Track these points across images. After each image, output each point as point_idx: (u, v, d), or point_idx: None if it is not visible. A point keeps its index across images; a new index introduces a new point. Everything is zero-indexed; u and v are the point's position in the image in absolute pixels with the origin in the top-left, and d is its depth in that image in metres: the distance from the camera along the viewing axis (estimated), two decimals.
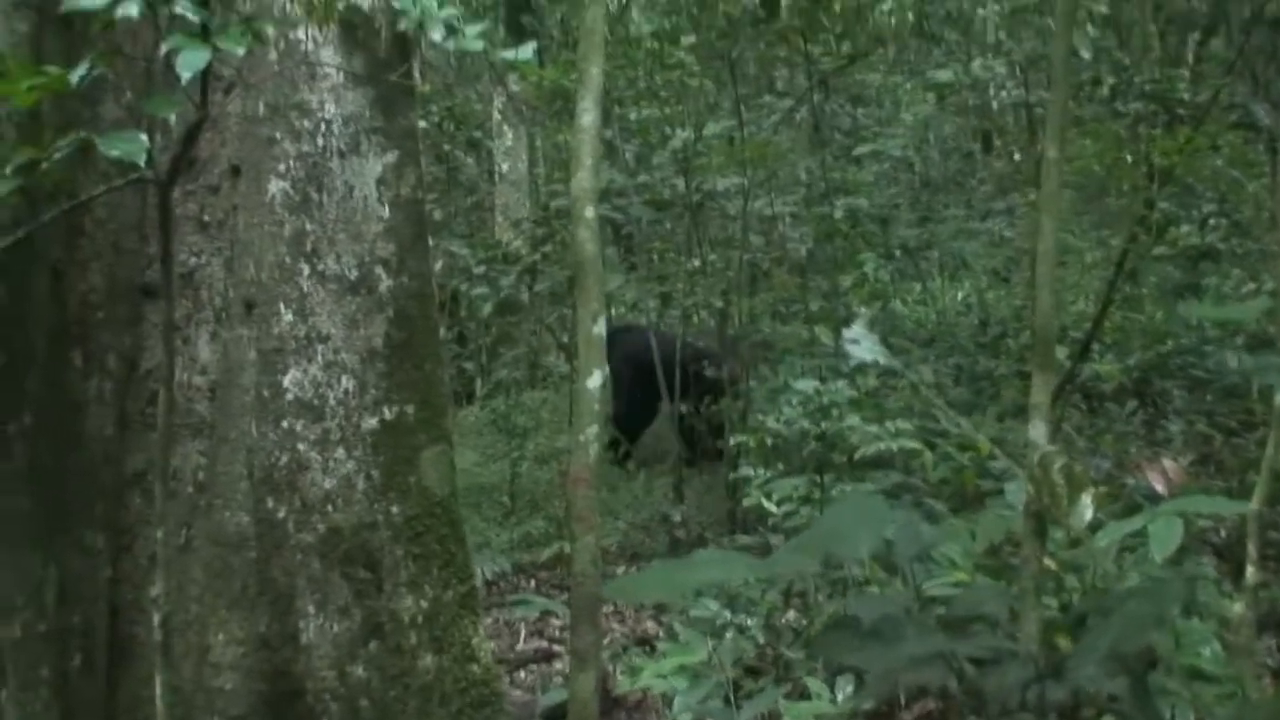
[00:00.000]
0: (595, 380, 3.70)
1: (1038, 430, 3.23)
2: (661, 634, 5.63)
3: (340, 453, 3.88)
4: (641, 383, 8.90)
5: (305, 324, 3.90)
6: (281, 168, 3.93)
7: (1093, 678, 2.78)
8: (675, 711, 4.14)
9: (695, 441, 8.75)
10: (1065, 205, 9.52)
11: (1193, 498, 3.71)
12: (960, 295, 11.82)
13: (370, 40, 4.00)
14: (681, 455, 8.58)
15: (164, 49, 2.98)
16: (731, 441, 7.21)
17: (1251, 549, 2.99)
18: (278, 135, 3.94)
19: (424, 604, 3.91)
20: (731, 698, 4.06)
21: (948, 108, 12.80)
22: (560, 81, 7.38)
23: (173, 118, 3.62)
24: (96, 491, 3.89)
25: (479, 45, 3.51)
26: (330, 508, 3.85)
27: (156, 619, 3.35)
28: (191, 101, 3.20)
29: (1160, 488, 3.83)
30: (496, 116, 13.55)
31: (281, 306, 3.90)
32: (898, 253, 10.80)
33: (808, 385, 5.89)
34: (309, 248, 3.92)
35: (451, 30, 3.51)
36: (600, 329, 3.73)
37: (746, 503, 5.86)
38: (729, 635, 4.57)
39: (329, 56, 3.94)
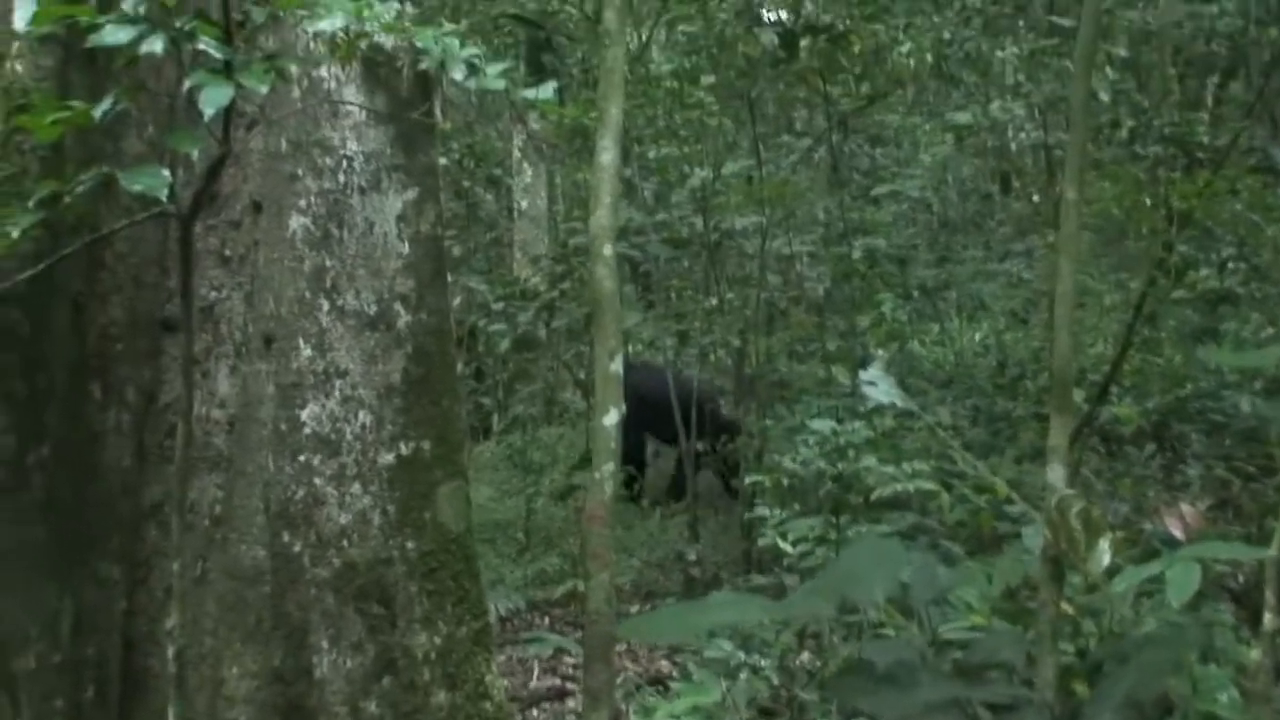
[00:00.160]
0: (612, 417, 3.70)
1: (1056, 473, 3.22)
2: (675, 674, 5.61)
3: (356, 488, 3.89)
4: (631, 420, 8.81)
5: (324, 359, 3.91)
6: (303, 204, 3.96)
7: None
8: None
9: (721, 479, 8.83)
10: (1084, 247, 9.51)
11: (1210, 543, 3.69)
12: (978, 336, 11.80)
13: (392, 79, 4.03)
14: (687, 492, 8.65)
15: (187, 85, 3.01)
16: (747, 481, 7.19)
17: (1269, 595, 2.97)
18: (299, 171, 3.97)
19: (437, 640, 3.91)
20: None
21: (966, 149, 12.80)
22: (580, 120, 7.42)
23: (195, 153, 3.65)
24: (113, 523, 3.90)
25: (500, 84, 3.53)
26: (345, 543, 3.86)
27: (171, 651, 3.36)
28: (214, 137, 3.23)
29: (1178, 533, 3.81)
30: (516, 154, 13.62)
31: (300, 341, 3.92)
32: (916, 293, 10.79)
33: (824, 425, 5.88)
34: (329, 283, 3.93)
35: (473, 69, 3.53)
36: (618, 366, 3.73)
37: (762, 542, 5.84)
38: (743, 676, 4.55)
39: (351, 94, 3.97)
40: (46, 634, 3.65)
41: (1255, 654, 2.96)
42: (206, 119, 2.98)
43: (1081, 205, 3.50)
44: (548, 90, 3.76)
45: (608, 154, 3.84)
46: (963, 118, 10.10)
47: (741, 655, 4.64)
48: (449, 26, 3.78)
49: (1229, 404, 7.95)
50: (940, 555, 4.78)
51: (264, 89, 3.06)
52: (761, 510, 5.96)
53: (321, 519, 3.86)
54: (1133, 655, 2.96)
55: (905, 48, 9.72)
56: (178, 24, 2.94)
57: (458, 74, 3.52)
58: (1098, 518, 3.04)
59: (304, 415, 3.90)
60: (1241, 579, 5.28)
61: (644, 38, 10.56)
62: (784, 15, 9.29)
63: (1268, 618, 2.95)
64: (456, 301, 9.93)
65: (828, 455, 5.68)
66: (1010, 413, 8.74)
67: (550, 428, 11.47)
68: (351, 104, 3.97)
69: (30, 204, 3.25)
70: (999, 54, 9.71)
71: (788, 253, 9.40)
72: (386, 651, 3.84)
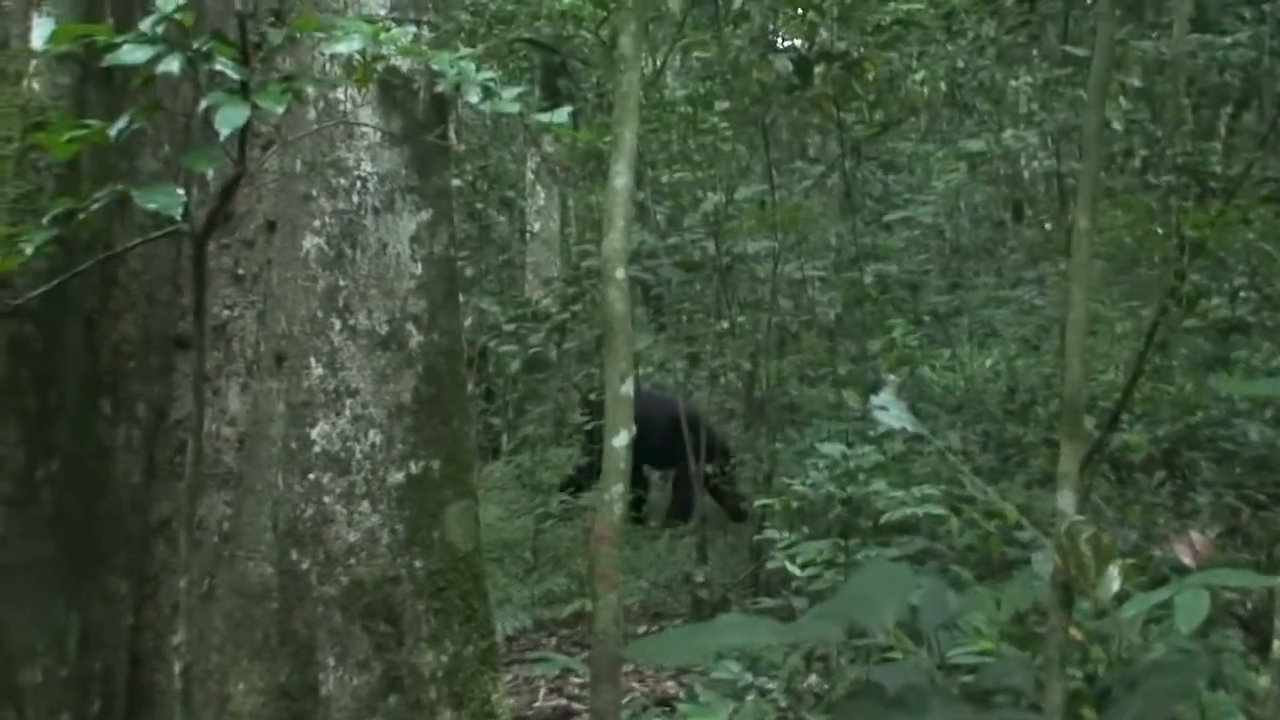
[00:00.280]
0: (622, 439, 3.71)
1: (1066, 499, 3.21)
2: (682, 695, 5.60)
3: (365, 506, 3.90)
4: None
5: (335, 378, 3.93)
6: (316, 224, 3.98)
7: None
8: None
9: (721, 501, 8.84)
10: (1096, 275, 9.50)
11: (1220, 570, 3.68)
12: (989, 362, 11.78)
13: (408, 101, 4.05)
14: (689, 514, 8.71)
15: (203, 105, 3.03)
16: (756, 504, 7.19)
17: (1278, 623, 2.96)
18: (314, 192, 4.00)
19: (444, 659, 3.91)
20: None
21: (979, 176, 12.81)
22: (594, 144, 7.45)
23: (210, 172, 3.68)
24: (122, 538, 3.92)
25: (515, 107, 3.56)
26: (353, 561, 3.86)
27: (177, 667, 3.37)
28: (229, 157, 3.25)
29: (1187, 560, 3.79)
30: (530, 177, 13.68)
31: (312, 360, 3.94)
32: (927, 319, 10.79)
33: (834, 449, 5.87)
34: (341, 303, 3.95)
35: (489, 93, 3.56)
36: (628, 388, 3.75)
37: (770, 565, 5.84)
38: (750, 698, 4.54)
39: (367, 116, 4.00)
40: (54, 648, 3.66)
41: (1263, 681, 2.95)
42: (222, 139, 3.00)
43: (1094, 233, 3.50)
44: (562, 114, 3.78)
45: (621, 178, 3.87)
46: (975, 145, 10.11)
47: (749, 677, 4.64)
48: (465, 50, 3.81)
49: (1239, 432, 7.93)
50: (949, 579, 4.77)
51: (280, 110, 3.09)
52: (770, 533, 5.96)
53: (330, 537, 3.87)
54: (1141, 681, 2.95)
55: (919, 76, 9.76)
56: (195, 44, 2.96)
57: (473, 97, 3.55)
58: (1107, 544, 3.03)
59: (314, 434, 3.91)
60: (1250, 606, 5.26)
61: (659, 63, 10.60)
62: (798, 42, 9.34)
63: (1276, 645, 2.94)
64: (468, 322, 9.96)
65: (837, 479, 5.67)
66: (1020, 439, 8.71)
67: (559, 449, 11.47)
68: (367, 125, 4.00)
69: (45, 221, 3.27)
70: (1012, 83, 9.74)
71: (799, 277, 9.42)
72: (393, 669, 3.85)
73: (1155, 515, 6.99)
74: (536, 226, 13.63)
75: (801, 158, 12.62)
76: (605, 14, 10.27)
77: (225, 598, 3.92)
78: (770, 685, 4.66)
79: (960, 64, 10.05)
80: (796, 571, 5.37)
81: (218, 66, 2.99)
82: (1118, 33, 7.71)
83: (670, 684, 6.03)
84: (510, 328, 9.21)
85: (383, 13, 3.98)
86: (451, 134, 4.29)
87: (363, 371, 3.95)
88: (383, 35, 3.35)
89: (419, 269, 4.05)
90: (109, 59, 2.96)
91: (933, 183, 12.73)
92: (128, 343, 3.97)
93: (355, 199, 3.99)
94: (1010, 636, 4.10)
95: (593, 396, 9.58)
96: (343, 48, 3.30)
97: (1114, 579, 2.99)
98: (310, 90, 3.84)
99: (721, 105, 9.24)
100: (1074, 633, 3.34)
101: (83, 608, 3.76)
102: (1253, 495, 7.23)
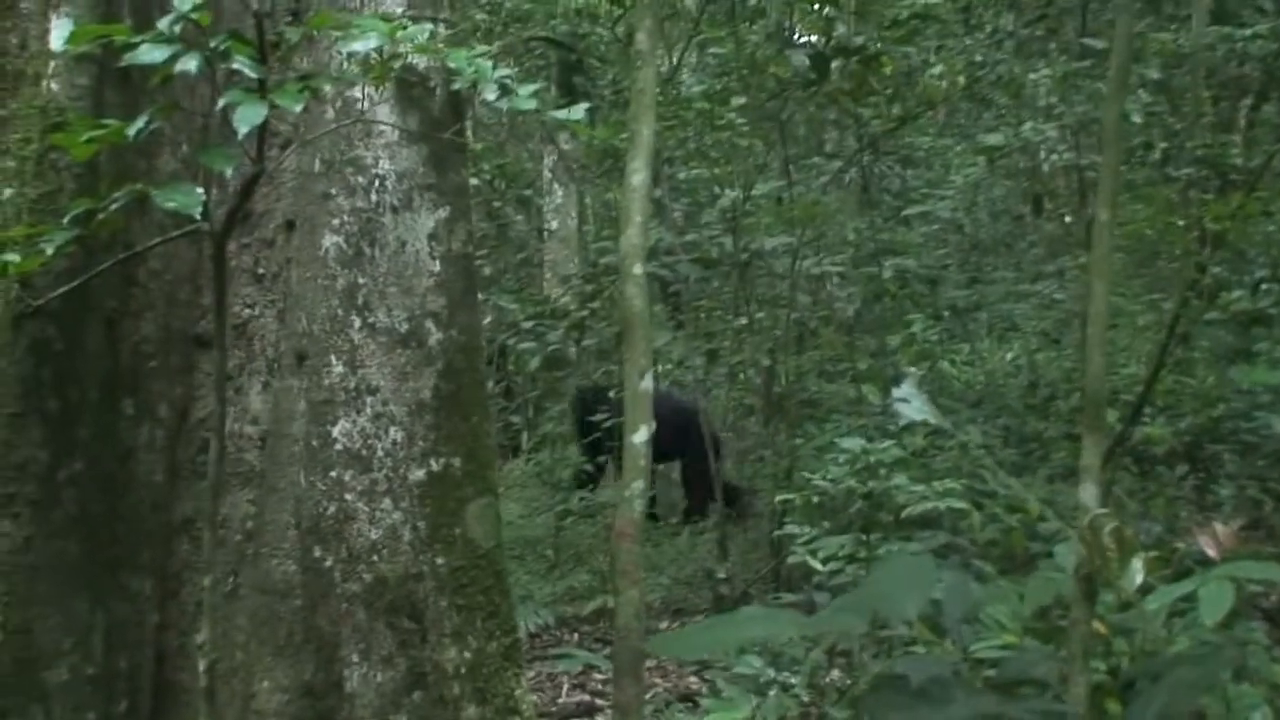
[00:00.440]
0: (641, 435, 3.70)
1: (1088, 493, 3.20)
2: (704, 690, 5.59)
3: (387, 503, 3.91)
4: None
5: (355, 376, 3.94)
6: (335, 222, 3.99)
7: None
8: None
9: (733, 499, 8.88)
10: (1116, 269, 9.47)
11: (1244, 563, 3.66)
12: (1009, 357, 11.74)
13: (425, 99, 4.06)
14: (703, 509, 8.77)
15: (221, 104, 3.04)
16: (776, 499, 7.18)
17: None
18: (332, 190, 4.01)
19: (467, 655, 3.92)
20: None
21: (998, 170, 12.78)
22: (611, 141, 7.45)
23: (229, 172, 3.69)
24: (145, 538, 3.93)
25: (532, 104, 3.55)
26: (376, 558, 3.87)
27: (202, 665, 3.38)
28: (248, 156, 3.26)
29: (1211, 552, 3.77)
30: (547, 175, 13.69)
31: (332, 358, 3.95)
32: (946, 313, 10.76)
33: (854, 444, 5.86)
34: (360, 301, 3.96)
35: (505, 90, 3.55)
36: (648, 384, 3.74)
37: (792, 560, 5.83)
38: (772, 693, 4.53)
39: (384, 114, 4.00)
40: (79, 647, 3.68)
41: None
42: (240, 137, 3.01)
43: (1114, 226, 3.49)
44: (579, 111, 3.78)
45: (638, 174, 3.86)
46: (994, 139, 10.09)
47: (771, 672, 4.63)
48: (481, 48, 3.81)
49: (1262, 424, 7.89)
50: (972, 573, 4.76)
51: (298, 108, 3.10)
52: (791, 528, 5.95)
53: (352, 534, 3.88)
54: (1165, 674, 2.94)
55: (937, 70, 9.72)
56: (212, 44, 2.97)
57: (490, 94, 3.55)
58: (1130, 537, 3.02)
59: (335, 431, 3.92)
60: (1275, 598, 5.25)
61: (675, 60, 10.60)
62: (815, 37, 9.32)
63: None
64: (486, 321, 9.99)
65: (858, 474, 5.66)
66: (1042, 433, 8.70)
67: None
68: (384, 124, 4.00)
69: (65, 221, 3.29)
70: (1031, 76, 9.70)
71: (818, 273, 9.39)
72: (417, 666, 3.85)
73: (1178, 508, 6.97)
74: (554, 224, 13.64)
75: (819, 153, 12.57)
76: (621, 11, 10.27)
77: (249, 595, 3.93)
78: (793, 680, 4.65)
79: (978, 57, 10.01)
80: (818, 566, 5.36)
81: (235, 65, 3.00)
82: (1136, 25, 7.68)
83: (693, 679, 6.03)
84: (529, 326, 9.22)
85: (399, 11, 3.99)
86: (468, 132, 4.29)
87: (383, 369, 3.95)
88: (399, 33, 3.35)
89: (437, 266, 4.05)
90: (127, 59, 2.98)
91: (951, 177, 12.70)
92: (149, 342, 3.99)
93: (373, 197, 4.00)
94: (1034, 630, 4.09)
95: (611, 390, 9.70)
96: (359, 46, 3.31)
97: (1137, 572, 2.97)
98: (328, 88, 3.86)
99: (738, 101, 9.23)
100: (1097, 626, 3.33)
101: (107, 607, 3.78)
102: (1276, 487, 7.21)
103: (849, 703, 4.50)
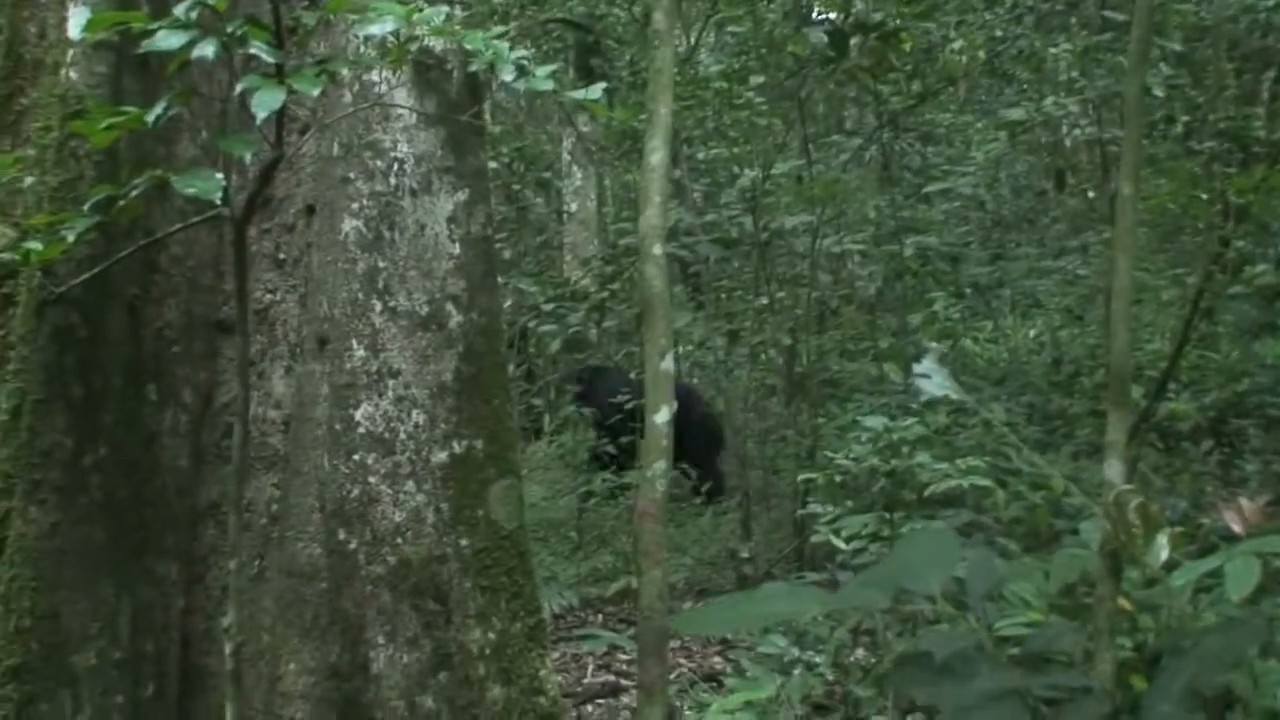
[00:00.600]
0: (663, 415, 3.70)
1: (1113, 469, 3.19)
2: (729, 670, 5.61)
3: (410, 486, 3.92)
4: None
5: (377, 359, 3.95)
6: (355, 206, 3.99)
7: (1169, 716, 2.73)
8: None
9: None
10: (1140, 243, 9.42)
11: (1270, 538, 3.64)
12: (1033, 333, 11.70)
13: (442, 81, 4.06)
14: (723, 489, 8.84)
15: (239, 89, 3.04)
16: (799, 478, 7.18)
17: None
18: (351, 175, 4.01)
19: (492, 636, 3.93)
20: None
21: (1019, 146, 12.71)
22: (629, 122, 7.43)
23: (248, 157, 3.69)
24: (170, 523, 3.95)
25: (549, 85, 3.54)
26: (400, 540, 3.89)
27: (228, 649, 3.40)
28: (266, 141, 3.27)
29: (1237, 527, 3.75)
30: (566, 157, 13.67)
31: (354, 342, 3.95)
32: (968, 291, 10.73)
33: (877, 422, 5.85)
34: (381, 285, 3.97)
35: (522, 71, 3.54)
36: (668, 364, 3.73)
37: (815, 540, 5.83)
38: (797, 672, 4.53)
39: (402, 97, 4.00)
40: (106, 632, 3.70)
41: None
42: (259, 123, 3.01)
43: (1137, 201, 3.46)
44: (596, 91, 3.76)
45: (657, 154, 3.84)
46: (1015, 114, 10.04)
47: (795, 651, 4.63)
48: (498, 29, 3.80)
49: None
50: (996, 551, 4.75)
51: (315, 93, 3.10)
52: (814, 508, 5.95)
53: (376, 517, 3.89)
54: (1192, 648, 2.93)
55: (956, 45, 9.68)
56: (229, 29, 2.97)
57: (507, 75, 3.53)
58: (1155, 513, 3.01)
59: (358, 415, 3.93)
60: None
61: (693, 39, 10.57)
62: (833, 14, 9.27)
63: None
64: (507, 304, 10.00)
65: (880, 452, 5.65)
66: (1066, 410, 8.67)
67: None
68: (402, 107, 4.00)
69: (86, 208, 3.30)
70: (1052, 50, 9.65)
71: (838, 252, 9.38)
72: (442, 647, 3.87)
73: (1203, 483, 6.94)
74: (573, 207, 13.63)
75: (838, 131, 12.55)
76: None
77: (274, 579, 3.95)
78: (817, 659, 4.65)
79: (998, 32, 9.96)
80: (841, 545, 5.36)
81: (252, 50, 3.00)
82: None
83: (717, 659, 6.04)
84: (549, 308, 9.23)
85: None
86: (486, 114, 4.28)
87: (404, 352, 3.96)
88: (416, 16, 3.34)
89: (457, 249, 4.05)
90: (145, 45, 2.98)
91: (972, 153, 12.66)
92: (171, 328, 4.00)
93: (392, 181, 4.00)
94: (1059, 608, 4.07)
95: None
96: (376, 29, 3.30)
97: (1163, 548, 2.96)
98: (345, 72, 3.86)
99: (757, 80, 9.21)
100: (1123, 603, 3.32)
101: (133, 592, 3.80)
102: None
103: (874, 681, 4.50)
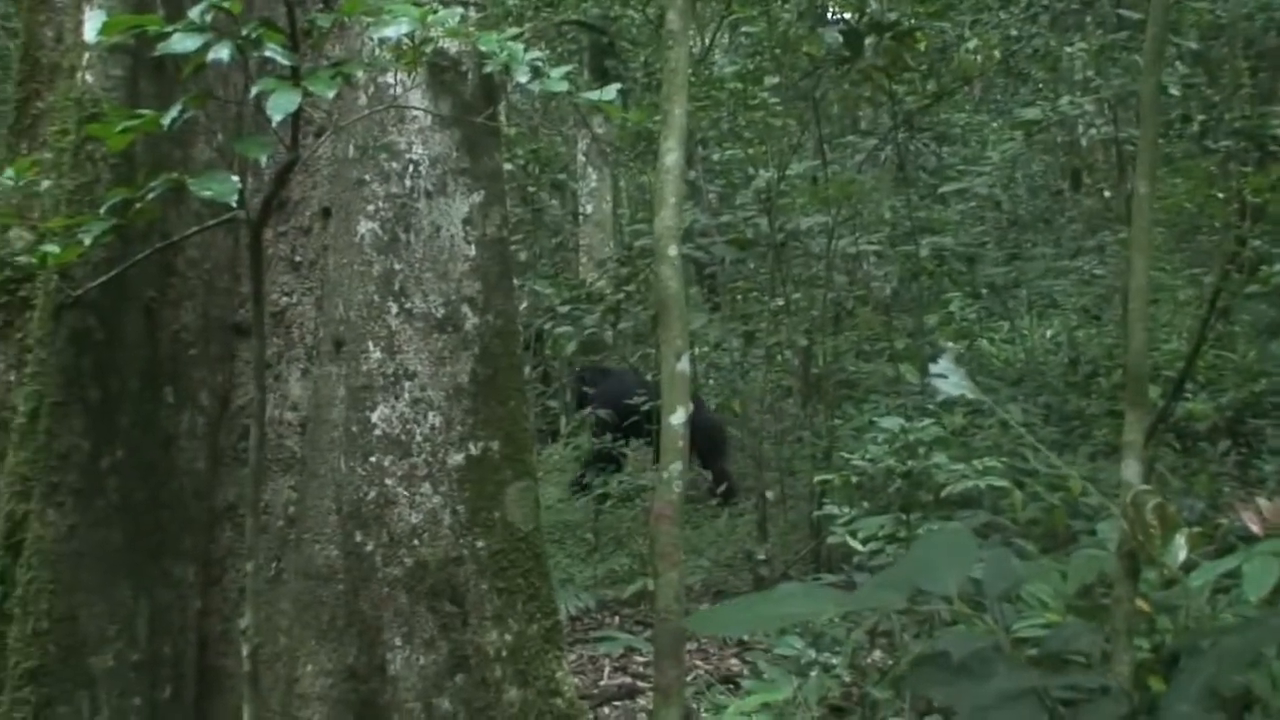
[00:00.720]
0: (679, 417, 3.70)
1: (1131, 469, 3.17)
2: (746, 672, 5.59)
3: (426, 488, 3.92)
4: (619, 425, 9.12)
5: (393, 361, 3.95)
6: (371, 209, 4.00)
7: (1187, 717, 2.72)
8: None
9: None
10: (1156, 243, 9.39)
11: None
12: (1049, 334, 11.67)
13: (457, 84, 4.06)
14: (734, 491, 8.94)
15: (254, 92, 3.05)
16: (815, 479, 7.17)
17: None
18: (367, 177, 4.02)
19: (509, 638, 3.93)
20: None
21: (1035, 145, 12.68)
22: (644, 123, 7.43)
23: (264, 160, 3.70)
24: (187, 525, 3.96)
25: (564, 86, 3.54)
26: (417, 542, 3.89)
27: (245, 650, 3.41)
28: (282, 143, 3.27)
29: (1255, 528, 3.74)
30: (580, 158, 13.68)
31: (370, 344, 3.96)
32: (985, 291, 10.70)
33: (893, 423, 5.83)
34: (397, 287, 3.97)
35: (537, 73, 3.54)
36: (684, 366, 3.73)
37: (831, 541, 5.81)
38: (814, 674, 4.52)
39: (417, 99, 4.01)
40: (124, 634, 3.71)
41: None
42: (274, 125, 3.02)
43: (1153, 200, 3.45)
44: (611, 92, 3.77)
45: (672, 155, 3.84)
46: (1031, 114, 10.01)
47: (812, 653, 4.62)
48: (512, 31, 3.81)
49: None
50: (1013, 552, 4.73)
51: (330, 95, 3.11)
52: (831, 509, 5.93)
53: (393, 519, 3.90)
54: (1210, 648, 2.92)
55: (971, 44, 9.66)
56: (244, 32, 2.98)
57: (522, 77, 3.54)
58: (1174, 513, 3.00)
59: (374, 417, 3.94)
60: None
61: (707, 40, 10.56)
62: (848, 14, 9.26)
63: None
64: (523, 305, 10.02)
65: (897, 453, 5.64)
66: (1083, 410, 8.64)
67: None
68: (417, 109, 4.01)
69: (102, 211, 3.31)
70: (1067, 49, 9.62)
71: (854, 252, 9.36)
72: (459, 649, 3.87)
73: (1221, 484, 6.91)
74: (589, 208, 13.64)
75: (853, 131, 12.52)
76: None
77: (291, 581, 3.96)
78: (834, 661, 4.64)
79: (1013, 31, 9.94)
80: (858, 547, 5.34)
81: (267, 53, 3.01)
82: None
83: (734, 661, 6.03)
84: (565, 309, 9.24)
85: None
86: (501, 116, 4.28)
87: (420, 354, 3.97)
88: (430, 18, 3.34)
89: (472, 251, 4.06)
90: (160, 48, 2.99)
91: (988, 153, 12.61)
92: (188, 331, 4.01)
93: (408, 183, 4.01)
94: (1076, 609, 4.06)
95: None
96: (391, 31, 3.30)
97: (1180, 548, 2.95)
98: (360, 75, 3.86)
99: (771, 80, 9.20)
100: (1140, 603, 3.31)
101: (150, 594, 3.81)
102: None
103: (890, 683, 4.49)
